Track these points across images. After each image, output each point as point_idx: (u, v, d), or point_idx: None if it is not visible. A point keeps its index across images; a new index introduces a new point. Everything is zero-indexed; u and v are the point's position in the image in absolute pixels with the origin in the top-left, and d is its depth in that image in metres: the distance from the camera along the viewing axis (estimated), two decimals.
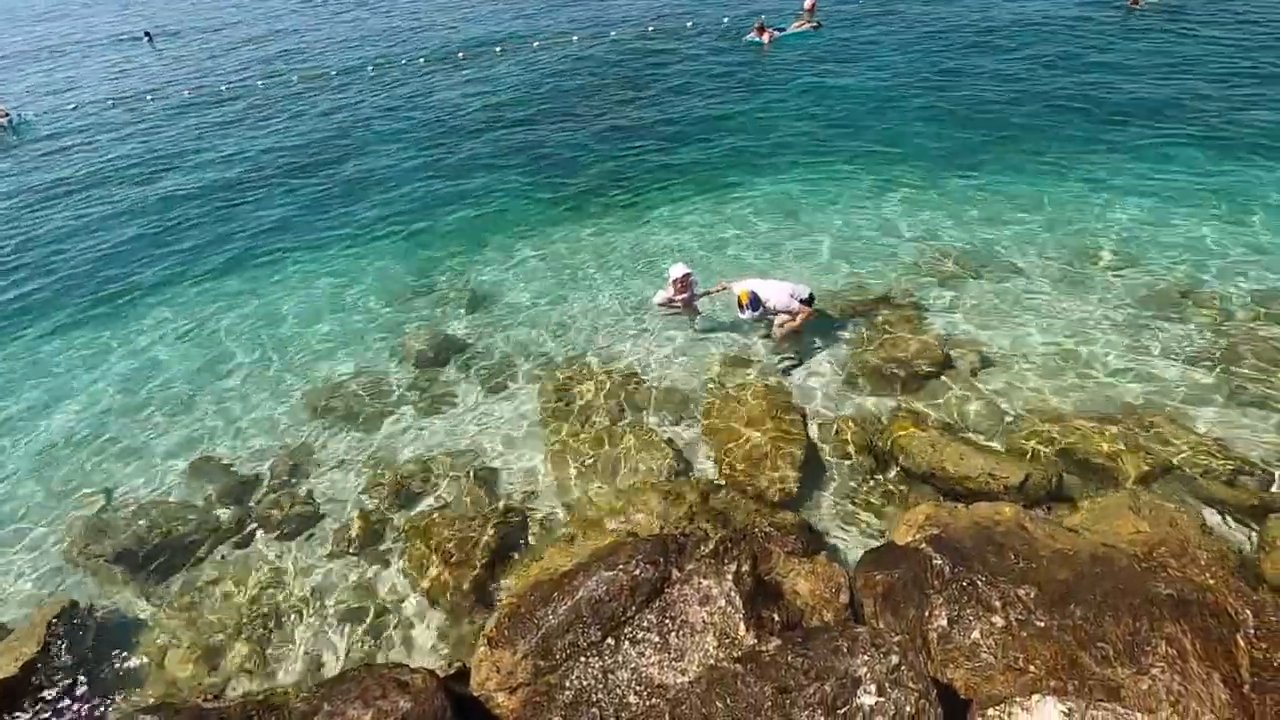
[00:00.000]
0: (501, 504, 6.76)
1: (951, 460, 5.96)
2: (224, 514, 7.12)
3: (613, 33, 23.77)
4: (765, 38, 20.04)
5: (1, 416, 9.13)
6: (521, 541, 6.37)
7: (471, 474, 7.15)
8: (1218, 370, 7.15)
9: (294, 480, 7.49)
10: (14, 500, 7.73)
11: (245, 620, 6.00)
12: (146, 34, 37.17)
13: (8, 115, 22.98)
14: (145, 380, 9.42)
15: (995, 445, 6.51)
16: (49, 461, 8.23)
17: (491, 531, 6.33)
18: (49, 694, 5.31)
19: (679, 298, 8.55)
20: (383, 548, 6.58)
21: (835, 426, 6.99)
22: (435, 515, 6.66)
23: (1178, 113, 13.12)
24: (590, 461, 6.98)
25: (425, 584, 6.01)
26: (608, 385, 7.90)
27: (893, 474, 6.44)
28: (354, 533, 6.66)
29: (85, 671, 5.57)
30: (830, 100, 15.77)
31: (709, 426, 7.11)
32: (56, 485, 7.85)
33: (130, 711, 5.11)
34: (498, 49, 23.79)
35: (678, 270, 8.40)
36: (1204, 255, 9.06)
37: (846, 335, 8.33)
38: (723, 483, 6.39)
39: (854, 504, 6.19)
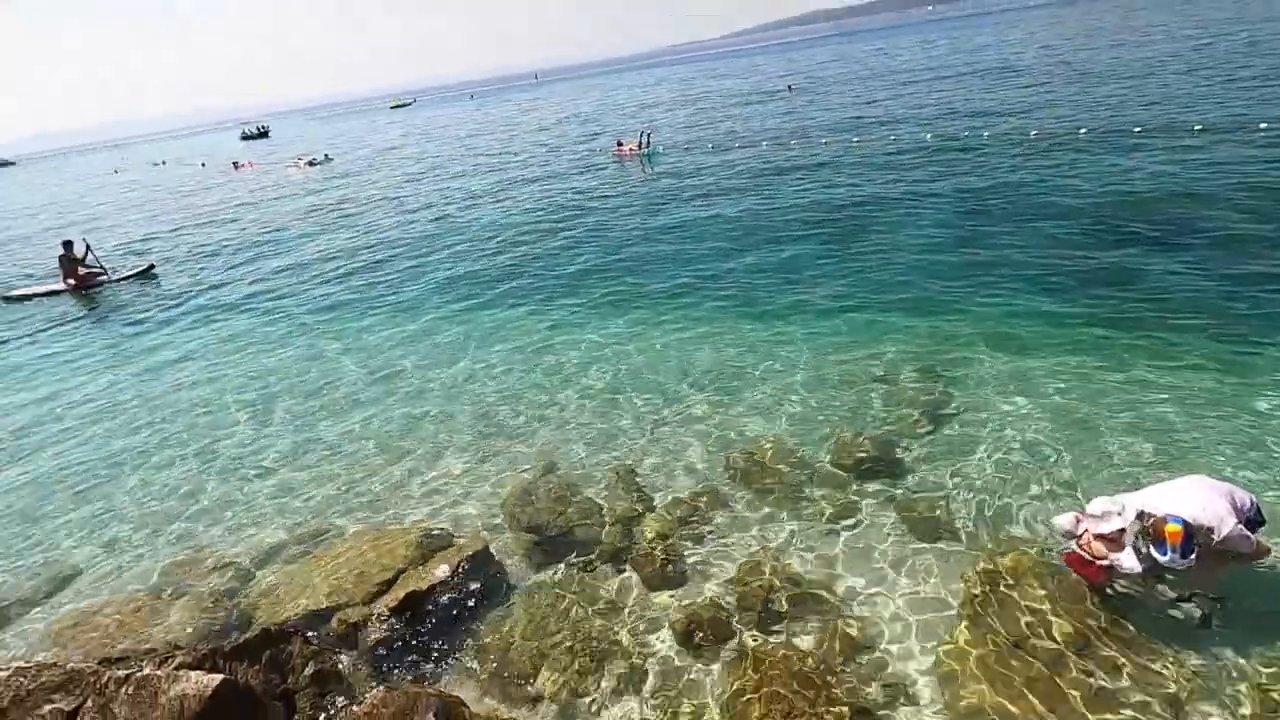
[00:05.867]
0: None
1: None
2: (612, 529, 7.38)
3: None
4: None
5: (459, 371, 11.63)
6: None
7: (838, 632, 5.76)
8: None
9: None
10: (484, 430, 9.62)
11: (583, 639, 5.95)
12: (789, 86, 43.87)
13: (324, 157, 31.71)
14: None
15: None
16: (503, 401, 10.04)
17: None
18: (427, 622, 6.16)
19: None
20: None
21: None
22: (778, 646, 5.56)
23: None
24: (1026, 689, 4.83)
25: None
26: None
27: None
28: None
29: (450, 622, 6.20)
30: None
31: None
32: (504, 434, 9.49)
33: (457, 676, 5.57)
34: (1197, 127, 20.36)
35: None
36: None
37: None
38: None
39: None
